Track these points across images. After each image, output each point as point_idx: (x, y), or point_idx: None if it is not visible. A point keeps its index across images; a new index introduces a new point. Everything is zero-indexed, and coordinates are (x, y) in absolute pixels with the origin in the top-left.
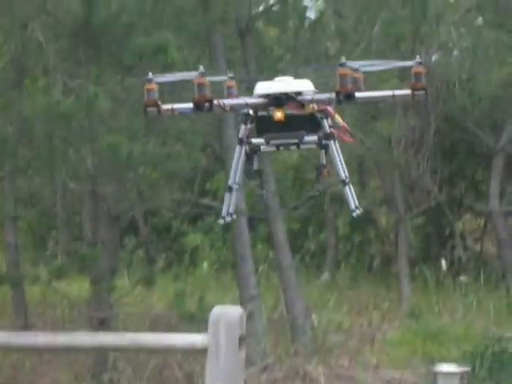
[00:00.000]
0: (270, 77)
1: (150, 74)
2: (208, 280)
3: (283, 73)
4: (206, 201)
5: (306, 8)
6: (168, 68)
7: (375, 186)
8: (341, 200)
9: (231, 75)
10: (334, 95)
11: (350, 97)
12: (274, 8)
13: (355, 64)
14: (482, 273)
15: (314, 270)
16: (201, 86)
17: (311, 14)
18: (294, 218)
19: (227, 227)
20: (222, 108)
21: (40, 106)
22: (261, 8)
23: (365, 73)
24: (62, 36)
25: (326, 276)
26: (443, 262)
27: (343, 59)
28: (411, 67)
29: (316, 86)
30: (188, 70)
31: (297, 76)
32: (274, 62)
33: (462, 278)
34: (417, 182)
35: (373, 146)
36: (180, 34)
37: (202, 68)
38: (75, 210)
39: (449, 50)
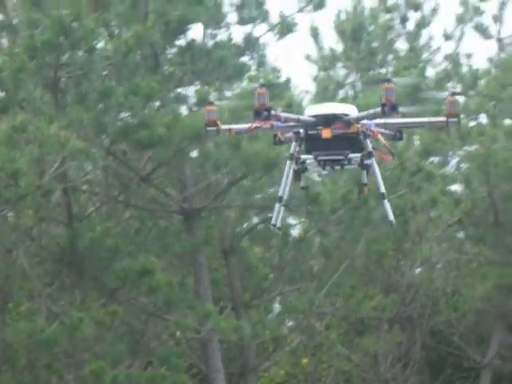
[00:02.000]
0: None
1: (211, 98)
2: None
3: (268, 292)
4: None
5: (290, 225)
6: (153, 291)
7: None
8: None
9: (262, 82)
10: (379, 109)
11: (394, 108)
12: (258, 227)
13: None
14: None
15: None
16: (260, 95)
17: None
18: None
19: None
20: (278, 118)
21: (23, 333)
22: (245, 226)
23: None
24: (47, 261)
25: None
26: None
27: (388, 76)
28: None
29: None
30: (173, 292)
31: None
32: (259, 281)
33: None
34: None
35: (359, 362)
36: (164, 255)
37: (262, 80)
38: None
39: (432, 265)
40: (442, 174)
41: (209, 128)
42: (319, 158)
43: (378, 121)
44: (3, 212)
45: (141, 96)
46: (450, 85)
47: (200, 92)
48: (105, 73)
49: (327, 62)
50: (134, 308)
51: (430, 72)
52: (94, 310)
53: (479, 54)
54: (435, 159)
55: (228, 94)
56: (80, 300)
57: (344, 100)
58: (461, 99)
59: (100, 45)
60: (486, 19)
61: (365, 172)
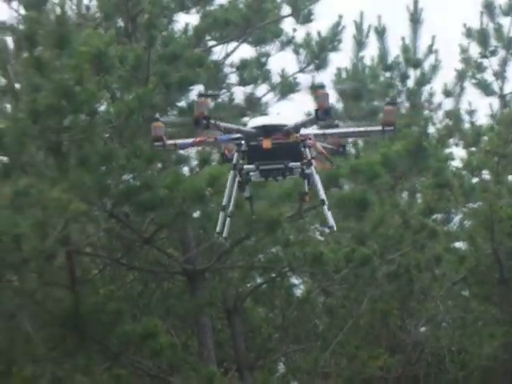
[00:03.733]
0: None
1: (157, 115)
2: None
3: (273, 352)
4: None
5: (293, 285)
6: (157, 353)
7: None
8: None
9: (201, 92)
10: (313, 115)
11: (327, 112)
12: (262, 287)
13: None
14: None
15: None
16: (199, 104)
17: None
18: None
19: None
20: (218, 127)
21: None
22: (248, 286)
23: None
24: (50, 325)
25: None
26: None
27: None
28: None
29: None
30: (176, 354)
31: None
32: (264, 341)
33: None
34: None
35: None
36: (168, 317)
37: (201, 90)
38: None
39: (438, 323)
40: (445, 232)
41: (156, 143)
42: (261, 167)
43: (317, 131)
44: (6, 276)
45: (143, 158)
46: (452, 141)
47: (202, 153)
48: (107, 135)
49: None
50: (138, 371)
51: (432, 129)
52: (98, 374)
53: (481, 110)
54: (438, 216)
55: None
56: (84, 364)
57: (346, 158)
58: (398, 107)
59: (102, 107)
60: (488, 75)
61: (306, 181)
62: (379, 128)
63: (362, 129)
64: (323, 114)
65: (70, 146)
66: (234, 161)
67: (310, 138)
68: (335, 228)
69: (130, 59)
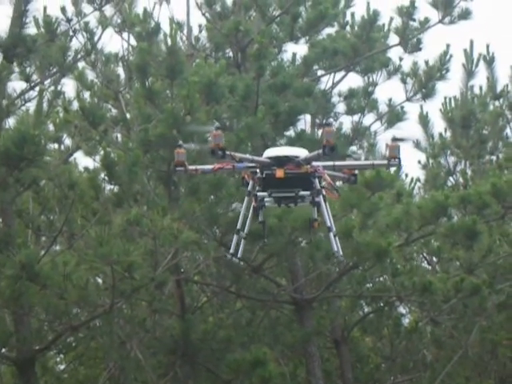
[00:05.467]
0: None
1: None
2: None
3: (380, 382)
4: None
5: (401, 315)
6: (266, 382)
7: None
8: None
9: (217, 125)
10: (320, 150)
11: (332, 149)
12: (370, 316)
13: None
14: None
15: None
16: (216, 136)
17: None
18: None
19: None
20: (233, 158)
21: None
22: (356, 316)
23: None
24: (160, 352)
25: None
26: None
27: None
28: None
29: None
30: (285, 382)
31: None
32: (371, 371)
33: None
34: None
35: None
36: (276, 346)
37: (217, 123)
38: None
39: None
40: None
41: (178, 168)
42: (273, 194)
43: (327, 163)
44: (118, 304)
45: None
46: None
47: None
48: None
49: (437, 149)
50: None
51: None
52: None
53: None
54: None
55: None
56: None
57: (454, 187)
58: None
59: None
60: None
61: (315, 208)
62: (385, 162)
63: (368, 162)
64: (329, 150)
65: (181, 175)
66: (249, 188)
67: (319, 170)
68: (342, 255)
69: (239, 89)
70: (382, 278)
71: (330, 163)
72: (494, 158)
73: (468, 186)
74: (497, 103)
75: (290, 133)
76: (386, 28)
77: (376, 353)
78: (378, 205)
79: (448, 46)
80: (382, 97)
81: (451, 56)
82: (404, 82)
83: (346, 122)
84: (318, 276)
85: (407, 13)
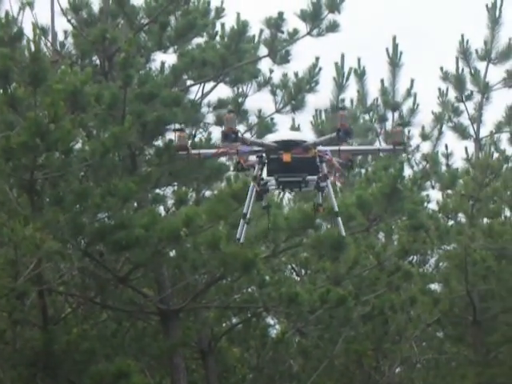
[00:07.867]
0: None
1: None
2: None
3: None
4: None
5: (269, 326)
6: None
7: None
8: None
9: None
10: (334, 134)
11: (348, 132)
12: (237, 327)
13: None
14: None
15: None
16: (228, 120)
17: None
18: None
19: None
20: (244, 141)
21: None
22: (223, 327)
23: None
24: (21, 365)
25: None
26: None
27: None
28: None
29: None
30: None
31: None
32: (238, 382)
33: None
34: None
35: None
36: (141, 357)
37: (230, 107)
38: None
39: (412, 365)
40: (420, 273)
41: (180, 152)
42: (280, 179)
43: (333, 148)
44: None
45: (118, 197)
46: (428, 183)
47: (178, 193)
48: (82, 174)
49: None
50: None
51: (409, 171)
52: None
53: (458, 153)
54: (414, 258)
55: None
56: None
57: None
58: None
59: (77, 146)
60: (464, 119)
61: (320, 193)
62: (390, 147)
63: (374, 147)
64: (344, 134)
65: (44, 184)
66: (255, 172)
67: (327, 154)
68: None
69: (106, 97)
70: (249, 289)
71: (336, 148)
72: (363, 170)
73: (336, 197)
74: (367, 116)
75: (158, 142)
76: (256, 39)
77: (243, 363)
78: None
79: (317, 58)
80: (251, 108)
81: (320, 68)
82: (274, 93)
83: (216, 133)
84: (184, 287)
85: (275, 24)
